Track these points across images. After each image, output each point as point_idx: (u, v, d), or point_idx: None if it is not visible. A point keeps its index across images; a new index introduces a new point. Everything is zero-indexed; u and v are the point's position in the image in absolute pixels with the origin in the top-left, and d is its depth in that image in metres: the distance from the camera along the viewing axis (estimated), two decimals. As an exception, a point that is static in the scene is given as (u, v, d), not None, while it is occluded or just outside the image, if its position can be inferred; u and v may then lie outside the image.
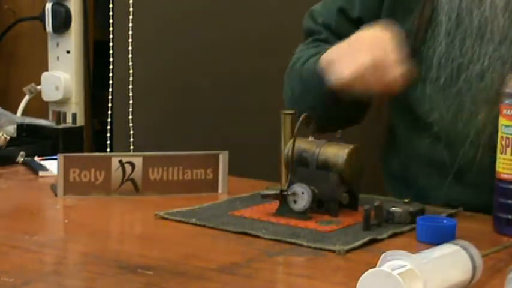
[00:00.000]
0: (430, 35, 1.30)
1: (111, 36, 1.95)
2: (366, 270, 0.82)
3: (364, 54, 1.20)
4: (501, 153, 1.12)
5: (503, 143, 1.12)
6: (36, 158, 1.52)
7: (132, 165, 1.30)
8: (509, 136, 1.11)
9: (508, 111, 1.11)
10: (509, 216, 1.12)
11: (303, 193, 1.16)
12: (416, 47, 1.30)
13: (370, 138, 1.52)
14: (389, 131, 1.45)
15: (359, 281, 0.82)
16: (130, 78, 1.93)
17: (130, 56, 1.93)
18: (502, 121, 1.12)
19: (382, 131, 1.48)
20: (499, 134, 1.13)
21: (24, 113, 2.02)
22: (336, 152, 1.18)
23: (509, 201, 1.12)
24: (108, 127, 1.97)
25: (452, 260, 0.91)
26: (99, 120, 2.06)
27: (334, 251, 1.03)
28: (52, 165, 1.44)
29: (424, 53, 1.30)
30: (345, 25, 1.38)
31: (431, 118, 1.31)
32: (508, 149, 1.11)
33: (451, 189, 1.31)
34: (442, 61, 1.29)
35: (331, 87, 1.25)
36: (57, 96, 1.99)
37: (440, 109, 1.30)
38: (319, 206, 1.18)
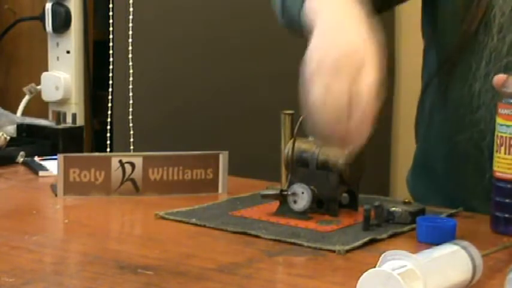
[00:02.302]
0: (483, 29, 1.26)
1: (111, 36, 1.95)
2: (366, 270, 0.82)
3: (345, 79, 1.00)
4: (496, 152, 1.13)
5: (498, 141, 1.12)
6: (36, 158, 1.52)
7: (132, 165, 1.30)
8: (504, 135, 1.11)
9: (504, 110, 1.11)
10: (506, 215, 1.12)
11: (303, 193, 1.16)
12: (467, 39, 1.27)
13: (370, 138, 1.52)
14: (428, 118, 1.41)
15: (359, 281, 0.82)
16: (130, 78, 1.93)
17: (130, 56, 1.93)
18: (498, 120, 1.12)
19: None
20: (495, 133, 1.13)
21: (24, 113, 2.02)
22: (336, 152, 1.18)
23: (506, 200, 1.12)
24: (108, 127, 1.97)
25: (452, 260, 0.91)
26: (99, 120, 2.06)
27: (334, 251, 1.03)
28: (52, 165, 1.43)
29: (475, 47, 1.27)
30: None
31: (478, 115, 1.30)
32: (503, 148, 1.12)
33: (487, 188, 1.29)
34: (492, 57, 1.26)
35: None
36: (57, 96, 1.99)
37: (488, 106, 1.28)
38: (319, 206, 1.18)
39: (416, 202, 1.22)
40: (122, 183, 1.30)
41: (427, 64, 1.42)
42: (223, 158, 1.33)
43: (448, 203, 1.28)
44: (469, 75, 1.29)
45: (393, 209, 1.16)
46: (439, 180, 1.37)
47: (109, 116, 1.97)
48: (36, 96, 2.04)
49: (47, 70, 2.02)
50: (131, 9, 1.93)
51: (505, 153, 1.11)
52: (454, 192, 1.31)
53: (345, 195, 1.19)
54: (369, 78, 1.01)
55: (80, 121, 1.95)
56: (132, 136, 1.94)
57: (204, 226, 1.13)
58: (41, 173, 1.44)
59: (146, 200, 1.29)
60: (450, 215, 1.21)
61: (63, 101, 2.00)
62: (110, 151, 1.95)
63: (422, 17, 1.43)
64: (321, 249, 1.04)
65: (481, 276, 0.92)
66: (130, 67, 1.93)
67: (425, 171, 1.42)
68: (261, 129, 1.89)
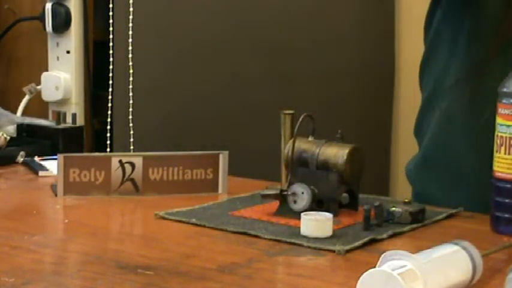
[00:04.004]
0: None
1: (111, 36, 1.95)
2: (366, 270, 0.82)
3: None
4: (496, 152, 1.13)
5: (498, 141, 1.12)
6: (36, 158, 1.52)
7: (132, 165, 1.30)
8: (504, 135, 1.12)
9: (503, 110, 1.11)
10: (507, 215, 1.12)
11: (303, 193, 1.16)
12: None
13: (370, 138, 1.52)
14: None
15: (359, 281, 0.82)
16: (130, 78, 1.93)
17: (130, 56, 1.93)
18: (498, 120, 1.12)
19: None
20: (496, 133, 1.13)
21: (24, 113, 2.02)
22: (336, 152, 1.18)
23: (506, 200, 1.12)
24: (108, 127, 1.97)
25: (452, 260, 0.91)
26: (99, 120, 2.06)
27: (334, 251, 1.03)
28: (52, 165, 1.44)
29: None
30: None
31: None
32: (503, 148, 1.12)
33: None
34: None
35: None
36: (57, 96, 1.98)
37: None
38: (319, 206, 1.18)
39: (415, 193, 1.20)
40: (122, 183, 1.30)
41: (434, 71, 1.38)
42: (223, 158, 1.33)
43: (469, 201, 1.25)
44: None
45: (393, 209, 1.16)
46: (461, 178, 1.34)
47: (109, 116, 1.97)
48: (36, 96, 2.04)
49: (47, 70, 2.02)
50: (131, 9, 1.93)
51: (505, 153, 1.11)
52: (481, 190, 1.27)
53: (345, 195, 1.19)
54: None
55: (80, 121, 1.95)
56: (132, 136, 1.94)
57: (204, 226, 1.14)
58: (41, 173, 1.44)
59: (146, 200, 1.29)
60: (450, 215, 1.21)
61: (63, 101, 1.99)
62: (110, 151, 1.95)
63: (427, 29, 1.40)
64: (320, 249, 1.04)
65: (481, 276, 0.92)
66: (130, 67, 1.93)
67: (439, 167, 1.38)
68: (261, 129, 1.89)
